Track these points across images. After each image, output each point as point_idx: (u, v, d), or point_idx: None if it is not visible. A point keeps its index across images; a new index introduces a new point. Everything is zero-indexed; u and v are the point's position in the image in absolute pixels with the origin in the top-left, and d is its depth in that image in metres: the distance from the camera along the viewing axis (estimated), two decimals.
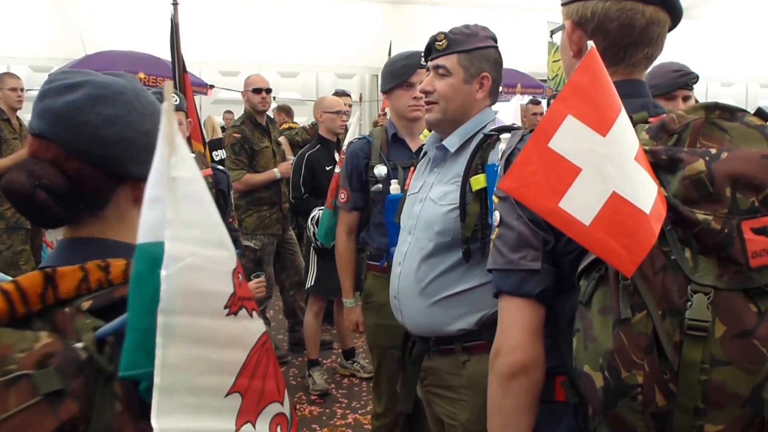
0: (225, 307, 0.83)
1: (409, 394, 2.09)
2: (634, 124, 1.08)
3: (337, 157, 4.01)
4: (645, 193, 0.96)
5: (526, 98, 8.60)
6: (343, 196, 2.80)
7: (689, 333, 0.96)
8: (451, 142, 1.94)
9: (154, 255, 0.76)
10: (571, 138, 0.94)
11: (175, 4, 4.71)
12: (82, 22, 8.76)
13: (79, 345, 0.83)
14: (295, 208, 4.38)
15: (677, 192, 1.00)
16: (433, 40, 1.95)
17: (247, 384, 0.87)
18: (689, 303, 0.96)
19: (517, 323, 1.12)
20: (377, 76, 9.89)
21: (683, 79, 2.60)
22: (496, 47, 1.99)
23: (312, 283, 4.05)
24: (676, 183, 1.00)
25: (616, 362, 0.97)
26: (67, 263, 0.91)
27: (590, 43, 1.00)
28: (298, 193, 4.21)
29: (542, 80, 9.21)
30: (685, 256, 0.98)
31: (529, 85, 9.27)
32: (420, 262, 1.92)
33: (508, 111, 4.71)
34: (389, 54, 6.75)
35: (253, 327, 0.89)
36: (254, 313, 0.89)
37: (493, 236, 1.18)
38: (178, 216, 0.77)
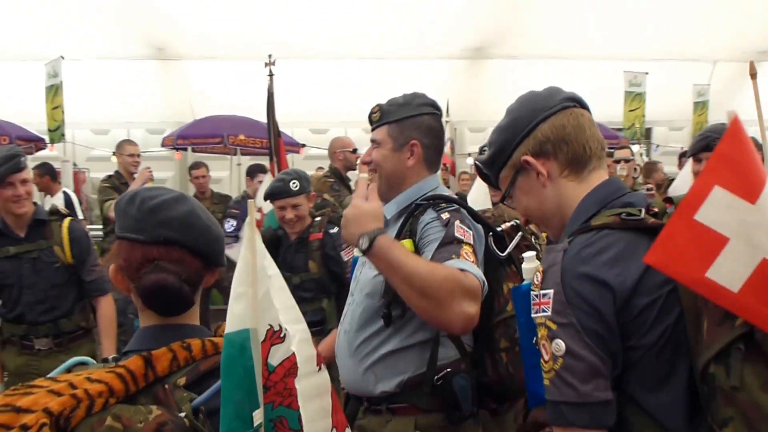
0: (317, 365, 1.13)
1: None
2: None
3: None
4: None
5: None
6: None
7: None
8: (389, 210, 1.97)
9: (239, 341, 0.94)
10: (718, 209, 0.94)
11: (270, 75, 5.29)
12: (190, 90, 9.75)
13: (182, 414, 0.99)
14: None
15: None
16: (371, 113, 2.02)
17: (336, 419, 1.16)
18: None
19: None
20: (456, 129, 10.31)
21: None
22: (432, 113, 1.99)
23: None
24: None
25: None
26: (154, 347, 1.09)
27: (732, 112, 0.97)
28: None
29: (616, 129, 9.08)
30: None
31: (605, 136, 9.31)
32: (354, 323, 1.96)
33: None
34: (447, 111, 7.12)
35: (326, 375, 1.17)
36: (322, 365, 1.18)
37: (556, 366, 1.11)
38: (281, 304, 1.00)
